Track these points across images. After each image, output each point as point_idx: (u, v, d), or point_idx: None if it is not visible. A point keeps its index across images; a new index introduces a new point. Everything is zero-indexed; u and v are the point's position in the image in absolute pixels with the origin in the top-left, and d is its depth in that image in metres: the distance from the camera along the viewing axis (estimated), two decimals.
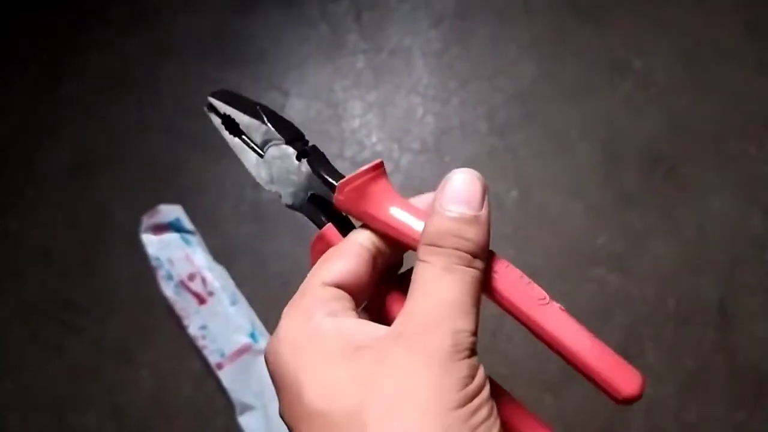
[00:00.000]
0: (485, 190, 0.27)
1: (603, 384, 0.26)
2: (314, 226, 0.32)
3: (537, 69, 0.96)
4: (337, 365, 0.24)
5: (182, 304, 0.81)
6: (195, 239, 0.84)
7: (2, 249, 0.91)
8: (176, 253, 0.83)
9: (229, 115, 0.32)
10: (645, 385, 0.26)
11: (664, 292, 0.84)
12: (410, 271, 0.31)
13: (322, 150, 0.32)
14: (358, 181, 0.29)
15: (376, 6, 1.01)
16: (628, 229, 0.87)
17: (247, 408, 0.78)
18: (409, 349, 0.24)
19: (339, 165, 0.95)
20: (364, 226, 0.30)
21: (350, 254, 0.28)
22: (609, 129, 0.92)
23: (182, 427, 0.82)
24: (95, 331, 0.86)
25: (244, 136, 0.32)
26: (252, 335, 0.80)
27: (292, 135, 0.31)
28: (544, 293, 0.27)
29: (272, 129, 0.31)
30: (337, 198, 0.29)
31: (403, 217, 0.29)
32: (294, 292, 0.29)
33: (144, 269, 0.84)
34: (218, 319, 0.81)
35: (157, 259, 0.83)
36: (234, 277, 0.84)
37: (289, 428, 0.25)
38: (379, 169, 0.30)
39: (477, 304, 0.26)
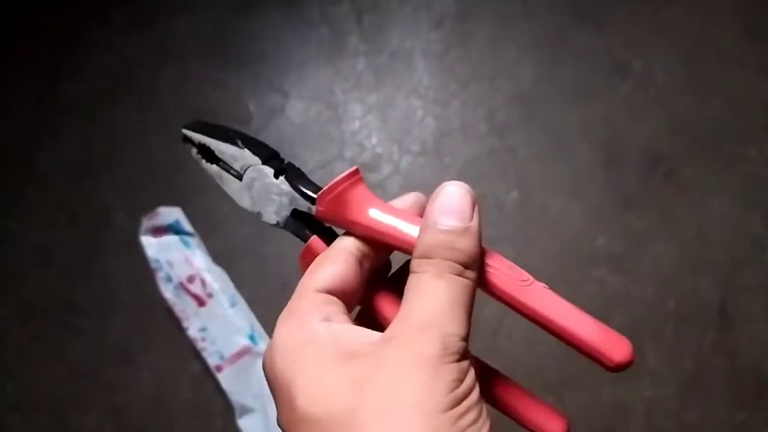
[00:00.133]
0: (475, 202, 0.28)
1: (594, 353, 0.26)
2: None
3: (537, 70, 0.96)
4: (330, 369, 0.25)
5: (182, 306, 0.81)
6: (194, 241, 0.85)
7: (2, 250, 0.91)
8: (176, 255, 0.83)
9: (204, 144, 0.33)
10: (634, 351, 0.26)
11: (664, 292, 0.84)
12: (400, 272, 0.32)
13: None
14: (337, 190, 0.30)
15: (376, 8, 1.01)
16: (628, 230, 0.87)
17: (246, 410, 0.78)
18: (399, 352, 0.24)
19: (339, 166, 0.96)
20: (348, 232, 0.30)
21: (337, 260, 0.29)
22: (609, 130, 0.92)
23: (182, 429, 0.82)
24: (95, 333, 0.86)
25: (221, 163, 0.33)
26: (251, 337, 0.80)
27: (268, 155, 0.32)
28: (527, 275, 0.28)
29: (248, 151, 0.32)
30: (318, 209, 0.30)
31: (385, 218, 0.29)
32: (300, 273, 0.29)
33: (144, 271, 0.84)
34: (218, 321, 0.81)
35: (157, 261, 0.83)
36: (233, 279, 0.84)
37: None
38: (356, 176, 0.30)
39: (468, 311, 0.27)
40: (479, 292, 0.29)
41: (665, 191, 0.89)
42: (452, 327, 0.25)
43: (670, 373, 0.81)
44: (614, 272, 0.85)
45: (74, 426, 0.83)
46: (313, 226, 0.32)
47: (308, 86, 0.97)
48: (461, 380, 0.24)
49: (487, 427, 0.24)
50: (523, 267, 0.28)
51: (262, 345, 0.80)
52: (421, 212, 0.30)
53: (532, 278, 0.28)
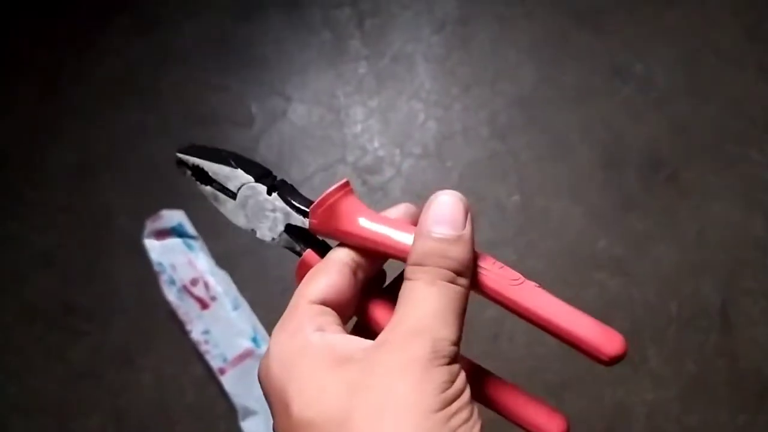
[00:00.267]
0: (468, 211, 0.29)
1: (588, 348, 0.27)
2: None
3: (538, 73, 0.96)
4: (324, 375, 0.25)
5: (185, 308, 0.82)
6: (197, 244, 0.85)
7: (5, 253, 0.91)
8: (179, 258, 0.83)
9: (198, 166, 0.34)
10: (627, 345, 0.27)
11: (665, 295, 0.84)
12: (395, 283, 0.32)
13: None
14: (329, 202, 0.31)
15: (378, 12, 1.01)
16: (630, 233, 0.87)
17: (249, 413, 0.79)
18: (391, 356, 0.25)
19: (341, 170, 0.96)
20: (342, 244, 0.31)
21: (332, 271, 0.30)
22: (609, 133, 0.92)
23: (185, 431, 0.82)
24: (98, 335, 0.86)
25: (215, 183, 0.34)
26: (254, 340, 0.80)
27: (260, 173, 0.33)
28: (518, 274, 0.28)
29: (240, 171, 0.33)
30: (311, 221, 0.31)
31: (377, 228, 0.30)
32: (296, 286, 0.30)
33: (147, 274, 0.84)
34: (220, 323, 0.81)
35: (160, 264, 0.83)
36: (236, 282, 0.84)
37: None
38: (346, 188, 0.31)
39: (460, 317, 0.27)
40: (477, 296, 0.29)
41: (666, 193, 0.89)
42: (443, 332, 0.26)
43: (671, 376, 0.81)
44: (615, 275, 0.85)
45: (77, 428, 0.83)
46: (307, 240, 0.33)
47: (310, 90, 0.98)
48: (452, 382, 0.25)
49: (478, 426, 0.25)
50: (524, 270, 0.28)
51: (265, 347, 0.80)
52: (412, 221, 0.31)
53: (523, 278, 0.28)
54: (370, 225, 0.30)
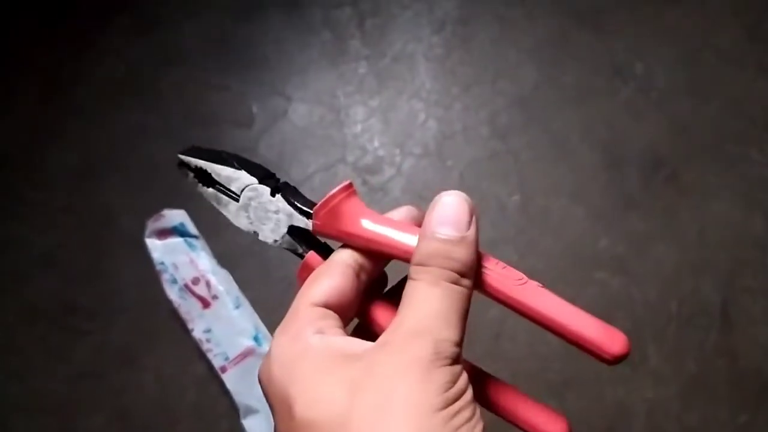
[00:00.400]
0: (472, 211, 0.29)
1: (591, 347, 0.27)
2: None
3: (538, 73, 0.96)
4: (326, 376, 0.25)
5: (186, 307, 0.82)
6: (199, 243, 0.85)
7: (6, 253, 0.91)
8: (180, 258, 0.84)
9: (201, 168, 0.34)
10: (630, 344, 0.27)
11: (666, 294, 0.84)
12: (397, 287, 0.33)
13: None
14: (332, 203, 0.31)
15: (378, 12, 1.02)
16: (630, 233, 0.87)
17: (251, 411, 0.79)
18: (393, 357, 0.25)
19: (342, 170, 0.96)
20: (344, 245, 0.31)
21: (334, 273, 0.30)
22: (610, 133, 0.92)
23: (187, 431, 0.82)
24: (100, 335, 0.86)
25: (218, 185, 0.34)
26: (256, 338, 0.81)
27: (264, 174, 0.33)
28: (521, 274, 0.29)
29: (244, 172, 0.33)
30: (314, 223, 0.31)
31: (380, 228, 0.30)
32: (298, 288, 0.30)
33: (148, 273, 0.84)
34: (222, 322, 0.81)
35: (162, 263, 0.83)
36: (238, 281, 0.85)
37: None
38: (349, 189, 0.31)
39: (463, 318, 0.27)
40: (480, 296, 0.29)
41: (667, 193, 0.89)
42: (445, 333, 0.26)
43: (672, 375, 0.81)
44: (616, 274, 0.85)
45: (79, 428, 0.83)
46: (309, 242, 0.33)
47: (311, 90, 0.98)
48: (453, 382, 0.25)
49: (480, 426, 0.25)
50: (525, 269, 0.29)
51: (267, 346, 0.81)
52: (415, 224, 0.31)
53: (526, 277, 0.28)
54: (373, 226, 0.30)
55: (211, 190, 0.34)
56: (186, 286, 0.82)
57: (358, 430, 0.23)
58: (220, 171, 0.33)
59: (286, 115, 0.96)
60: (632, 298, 0.84)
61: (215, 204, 0.34)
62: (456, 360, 0.26)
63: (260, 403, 0.78)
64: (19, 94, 1.00)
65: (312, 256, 0.32)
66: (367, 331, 0.31)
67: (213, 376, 0.82)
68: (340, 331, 0.29)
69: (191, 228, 0.85)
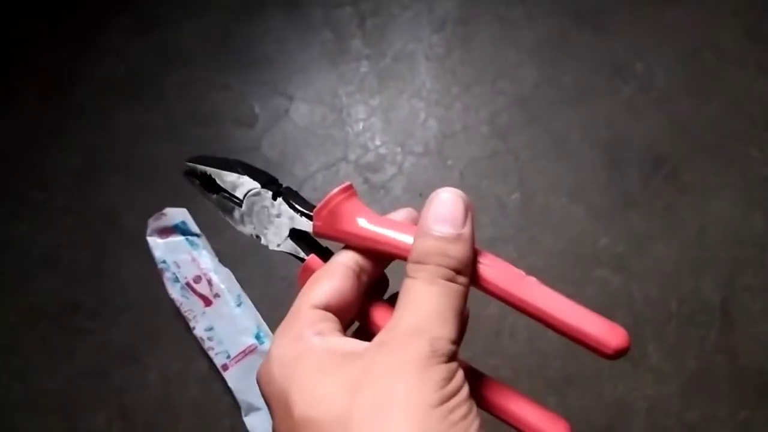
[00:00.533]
0: (468, 209, 0.29)
1: (591, 342, 0.27)
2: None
3: (538, 73, 0.97)
4: (325, 376, 0.26)
5: (188, 306, 0.82)
6: (201, 242, 0.85)
7: (10, 253, 0.92)
8: (182, 256, 0.84)
9: (206, 174, 0.35)
10: (630, 338, 0.27)
11: (666, 292, 0.85)
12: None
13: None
14: (332, 204, 0.31)
15: (379, 12, 1.02)
16: (630, 231, 0.88)
17: (253, 408, 0.79)
18: (391, 355, 0.25)
19: (343, 168, 0.96)
20: (345, 247, 0.32)
21: (335, 275, 0.30)
22: (610, 132, 0.93)
23: (189, 428, 0.83)
24: (103, 334, 0.87)
25: (222, 191, 0.35)
26: (257, 336, 0.81)
27: (267, 179, 0.34)
28: (519, 270, 0.29)
29: (247, 177, 0.34)
30: (315, 224, 0.32)
31: (380, 228, 0.31)
32: (298, 291, 0.30)
33: (151, 272, 0.85)
34: (224, 320, 0.81)
35: (164, 262, 0.84)
36: (239, 279, 0.85)
37: None
38: (349, 191, 0.32)
39: (459, 315, 0.28)
40: (479, 293, 0.29)
41: (667, 192, 0.89)
42: (442, 331, 0.26)
43: (672, 372, 0.81)
44: (616, 272, 0.86)
45: (83, 426, 0.84)
46: (310, 245, 0.33)
47: (312, 89, 0.98)
48: (450, 379, 0.25)
49: (477, 423, 0.25)
50: (525, 268, 0.29)
51: (268, 344, 0.81)
52: (413, 224, 0.31)
53: (523, 273, 0.29)
54: (372, 226, 0.31)
55: (215, 196, 0.35)
56: (188, 284, 0.83)
57: (358, 429, 0.24)
58: (225, 177, 0.34)
59: (288, 114, 0.97)
60: (632, 296, 0.84)
61: (220, 211, 0.35)
62: (452, 357, 0.26)
63: (262, 400, 0.78)
64: (20, 94, 1.00)
65: (313, 259, 0.33)
66: (368, 333, 0.32)
67: (215, 374, 0.82)
68: (339, 334, 0.29)
69: (193, 226, 0.86)
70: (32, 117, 0.99)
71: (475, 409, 0.26)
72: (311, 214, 0.32)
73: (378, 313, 0.32)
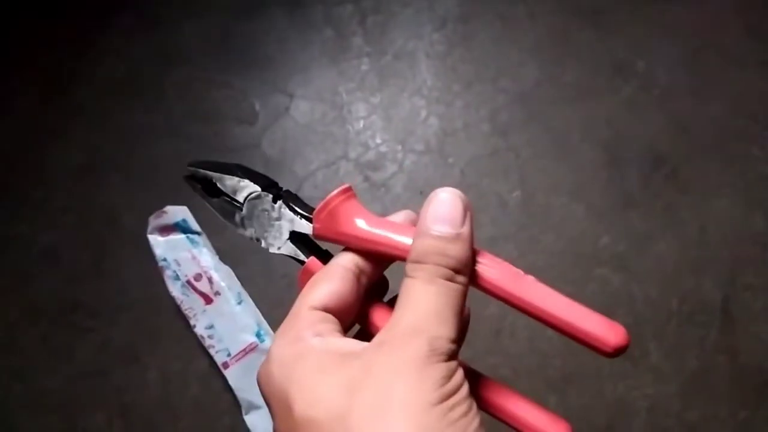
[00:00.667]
0: (467, 208, 0.29)
1: (590, 340, 0.27)
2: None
3: (539, 71, 0.96)
4: (325, 375, 0.26)
5: (189, 304, 0.82)
6: (201, 240, 0.85)
7: (11, 252, 0.92)
8: (183, 254, 0.84)
9: (207, 178, 0.35)
10: (629, 336, 0.27)
11: (666, 291, 0.85)
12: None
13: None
14: (332, 205, 0.32)
15: (380, 10, 1.02)
16: (631, 230, 0.87)
17: (253, 407, 0.79)
18: (390, 355, 0.26)
19: (343, 166, 0.96)
20: (345, 249, 0.32)
21: (334, 277, 0.30)
22: (611, 131, 0.93)
23: (189, 427, 0.83)
24: (103, 332, 0.87)
25: (223, 195, 0.35)
26: (258, 334, 0.81)
27: (267, 183, 0.34)
28: (517, 269, 0.29)
29: (248, 181, 0.34)
30: (315, 226, 0.32)
31: (379, 229, 0.31)
32: (298, 293, 0.30)
33: (151, 270, 0.85)
34: (225, 318, 0.81)
35: (164, 259, 0.84)
36: (240, 277, 0.85)
37: None
38: (348, 192, 0.32)
39: (458, 314, 0.28)
40: (479, 293, 0.29)
41: (667, 191, 0.89)
42: (441, 330, 0.26)
43: (672, 372, 0.81)
44: (617, 271, 0.86)
45: (83, 425, 0.84)
46: (310, 248, 0.34)
47: (313, 87, 0.98)
48: (449, 378, 0.25)
49: (477, 421, 0.25)
50: (525, 266, 0.29)
51: (269, 342, 0.81)
52: (413, 225, 0.31)
53: (522, 272, 0.29)
54: (372, 227, 0.31)
55: (216, 200, 0.36)
56: (188, 282, 0.83)
57: (358, 428, 0.24)
58: (226, 181, 0.35)
59: (288, 112, 0.97)
60: (633, 295, 0.84)
61: (220, 215, 0.36)
62: (452, 356, 0.26)
63: (262, 399, 0.79)
64: (20, 94, 1.00)
65: (312, 261, 0.33)
66: (368, 335, 0.32)
67: (215, 372, 0.82)
68: (339, 335, 0.29)
69: (193, 224, 0.86)
70: (33, 116, 0.99)
71: (475, 407, 0.26)
72: (311, 216, 0.32)
73: (378, 315, 0.32)
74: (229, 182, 0.34)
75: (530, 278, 0.28)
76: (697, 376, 0.81)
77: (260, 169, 0.36)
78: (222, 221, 0.36)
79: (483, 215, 0.88)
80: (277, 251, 0.34)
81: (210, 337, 0.81)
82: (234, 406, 0.81)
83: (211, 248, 0.86)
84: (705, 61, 0.96)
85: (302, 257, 0.33)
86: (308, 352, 0.27)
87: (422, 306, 0.27)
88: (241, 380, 0.80)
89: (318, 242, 0.34)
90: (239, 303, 0.82)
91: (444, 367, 0.25)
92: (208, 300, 0.82)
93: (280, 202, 0.33)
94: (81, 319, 0.87)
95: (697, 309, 0.84)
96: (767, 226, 0.87)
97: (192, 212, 0.86)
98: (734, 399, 0.80)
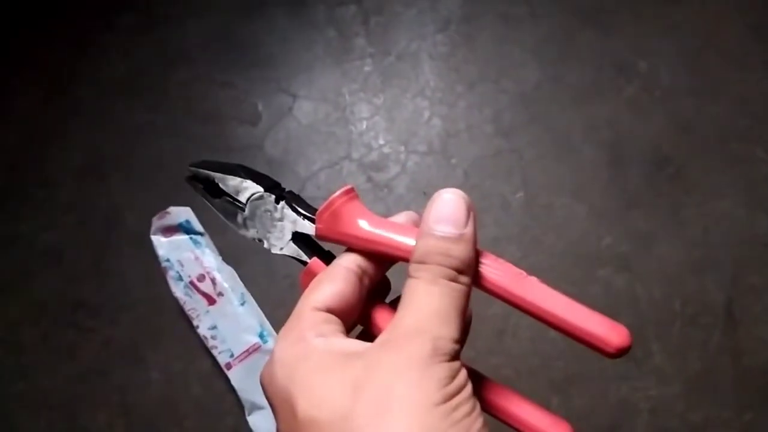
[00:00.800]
0: (470, 209, 0.29)
1: (593, 341, 0.27)
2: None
3: (542, 72, 0.96)
4: (328, 375, 0.26)
5: (192, 304, 0.82)
6: (204, 240, 0.85)
7: (13, 251, 0.92)
8: (186, 255, 0.84)
9: (209, 179, 0.35)
10: (632, 337, 0.27)
11: (670, 292, 0.84)
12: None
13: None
14: (334, 206, 0.31)
15: (383, 11, 1.02)
16: (634, 231, 0.87)
17: (256, 407, 0.79)
18: (393, 355, 0.26)
19: (346, 167, 0.96)
20: (348, 249, 0.32)
21: (337, 277, 0.30)
22: (614, 131, 0.93)
23: (192, 427, 0.83)
24: (105, 332, 0.87)
25: (225, 196, 0.35)
26: (261, 335, 0.81)
27: (269, 184, 0.34)
28: (520, 270, 0.29)
29: (250, 182, 0.34)
30: (317, 227, 0.32)
31: (382, 230, 0.31)
32: (301, 294, 0.31)
33: (154, 271, 0.85)
34: (228, 319, 0.81)
35: (167, 260, 0.84)
36: (243, 278, 0.85)
37: None
38: (351, 193, 0.32)
39: (461, 314, 0.28)
40: (482, 293, 0.29)
41: (670, 191, 0.89)
42: (444, 330, 0.26)
43: (676, 373, 0.81)
44: (620, 272, 0.85)
45: (85, 424, 0.84)
46: (313, 249, 0.34)
47: (316, 87, 0.98)
48: (452, 378, 0.25)
49: (480, 421, 0.25)
50: (528, 267, 0.29)
51: (272, 343, 0.81)
52: (415, 226, 0.31)
53: (524, 272, 0.29)
54: (374, 228, 0.31)
55: (218, 200, 0.35)
56: (191, 283, 0.83)
57: (361, 428, 0.24)
58: (228, 181, 0.34)
59: (291, 112, 0.96)
60: (636, 296, 0.84)
61: (222, 216, 0.36)
62: (455, 356, 0.26)
63: (265, 399, 0.78)
64: (21, 94, 1.00)
65: (315, 262, 0.33)
66: (370, 336, 0.32)
67: (218, 372, 0.82)
68: (342, 335, 0.29)
69: (196, 225, 0.86)
70: (34, 116, 0.99)
71: (478, 407, 0.26)
72: (313, 217, 0.32)
73: (380, 316, 0.32)
74: (231, 183, 0.34)
75: (533, 279, 0.29)
76: (701, 377, 0.81)
77: (263, 169, 0.36)
78: (224, 222, 0.36)
79: (486, 216, 0.88)
80: (279, 252, 0.34)
81: (213, 337, 0.81)
82: (237, 407, 0.81)
83: (214, 249, 0.86)
84: (707, 62, 0.96)
85: (305, 258, 0.33)
86: (311, 353, 0.27)
87: (425, 306, 0.27)
88: (244, 381, 0.80)
89: (320, 243, 0.34)
90: (242, 304, 0.82)
91: (447, 367, 0.25)
92: (211, 301, 0.82)
93: (282, 203, 0.33)
94: (82, 319, 0.87)
95: (700, 310, 0.84)
96: None
97: (194, 213, 0.86)
98: (738, 400, 0.80)
